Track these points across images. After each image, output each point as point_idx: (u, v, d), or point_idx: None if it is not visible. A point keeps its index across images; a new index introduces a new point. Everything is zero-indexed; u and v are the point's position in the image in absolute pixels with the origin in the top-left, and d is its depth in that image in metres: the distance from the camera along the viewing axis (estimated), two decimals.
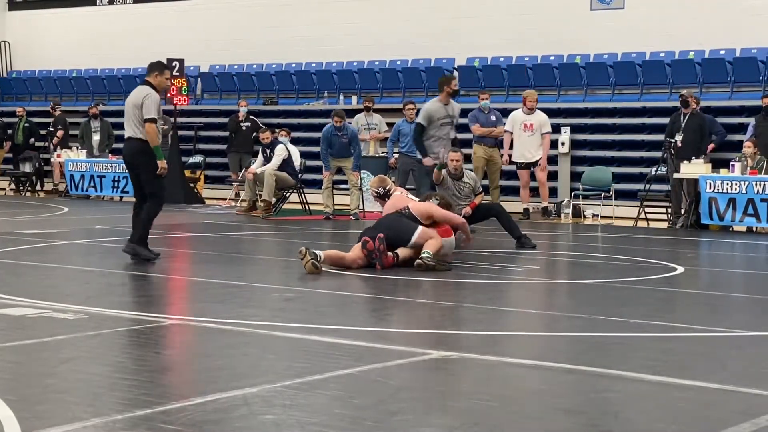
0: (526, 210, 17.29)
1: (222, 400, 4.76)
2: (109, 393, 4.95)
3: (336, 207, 17.02)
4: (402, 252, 9.85)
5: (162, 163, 10.34)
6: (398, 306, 7.91)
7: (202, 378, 5.38)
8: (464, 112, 19.76)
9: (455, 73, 20.92)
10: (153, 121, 10.21)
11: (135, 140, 10.34)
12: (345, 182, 17.45)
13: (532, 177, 17.20)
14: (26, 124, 23.51)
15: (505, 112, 19.30)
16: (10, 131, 23.83)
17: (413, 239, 9.84)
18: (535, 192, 17.48)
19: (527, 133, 16.94)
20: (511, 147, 17.12)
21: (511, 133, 17.08)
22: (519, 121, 17.05)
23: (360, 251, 9.71)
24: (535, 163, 17.01)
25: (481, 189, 13.14)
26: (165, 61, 19.85)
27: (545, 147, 17.00)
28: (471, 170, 14.51)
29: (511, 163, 17.17)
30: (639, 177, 17.61)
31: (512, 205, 18.29)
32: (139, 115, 10.24)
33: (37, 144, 23.57)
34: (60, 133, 22.59)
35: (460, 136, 19.19)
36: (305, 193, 18.13)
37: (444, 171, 12.80)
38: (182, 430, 4.29)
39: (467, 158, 18.34)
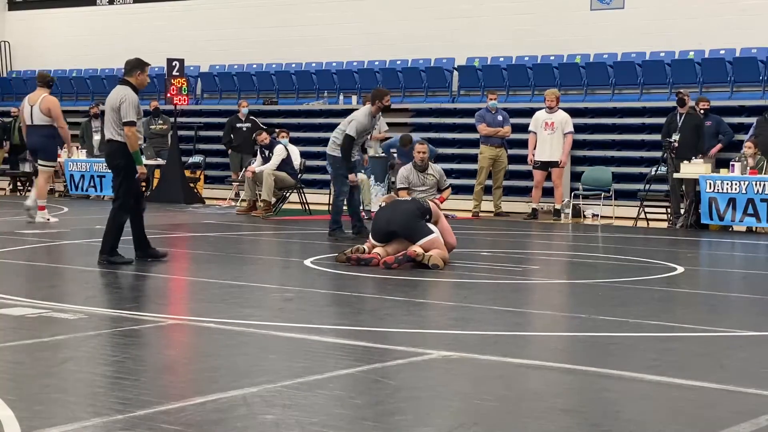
0: (534, 210, 17.27)
1: (222, 400, 4.76)
2: (109, 393, 4.94)
3: None
4: (400, 247, 10.19)
5: (141, 168, 10.26)
6: (398, 306, 7.90)
7: (202, 378, 5.38)
8: (465, 112, 19.87)
9: (455, 74, 20.96)
10: (132, 124, 9.97)
11: (114, 143, 10.14)
12: None
13: (547, 178, 17.18)
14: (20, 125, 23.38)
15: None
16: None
17: (422, 241, 10.07)
18: (545, 192, 17.45)
19: (548, 132, 16.96)
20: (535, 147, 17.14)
21: (536, 134, 17.09)
22: (541, 120, 17.08)
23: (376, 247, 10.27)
24: (552, 164, 16.99)
25: (448, 184, 13.11)
26: (165, 61, 20.08)
27: (566, 146, 16.99)
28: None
29: (534, 162, 17.15)
30: (639, 177, 17.60)
31: (516, 206, 18.33)
32: (117, 117, 10.01)
33: None
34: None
35: (466, 135, 19.30)
36: (305, 193, 18.12)
37: (410, 164, 12.94)
38: (182, 430, 4.29)
39: (473, 158, 18.41)
